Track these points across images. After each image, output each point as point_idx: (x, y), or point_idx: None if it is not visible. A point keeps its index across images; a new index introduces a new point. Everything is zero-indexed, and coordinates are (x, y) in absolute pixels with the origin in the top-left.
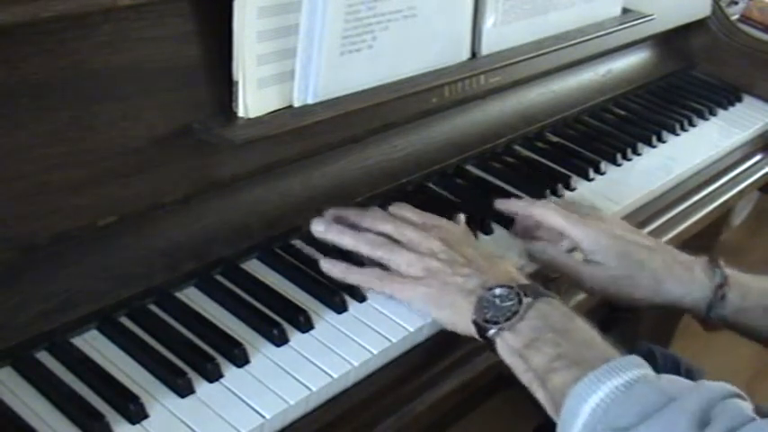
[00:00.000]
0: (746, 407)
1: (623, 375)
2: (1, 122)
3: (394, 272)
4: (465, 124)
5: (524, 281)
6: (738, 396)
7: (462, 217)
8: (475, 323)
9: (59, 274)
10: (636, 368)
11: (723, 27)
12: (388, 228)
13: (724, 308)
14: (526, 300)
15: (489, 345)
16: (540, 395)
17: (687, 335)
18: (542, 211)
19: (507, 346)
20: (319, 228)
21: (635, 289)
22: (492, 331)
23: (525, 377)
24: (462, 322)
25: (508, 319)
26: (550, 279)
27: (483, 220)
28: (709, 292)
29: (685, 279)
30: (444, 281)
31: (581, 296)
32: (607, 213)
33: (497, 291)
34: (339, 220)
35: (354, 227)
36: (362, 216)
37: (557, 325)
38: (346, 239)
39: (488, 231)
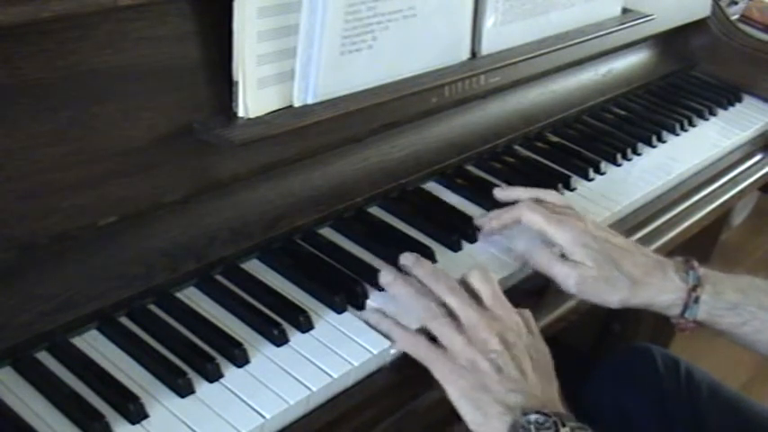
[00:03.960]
0: None
1: None
2: (1, 122)
3: (440, 348)
4: (465, 124)
5: (561, 408)
6: None
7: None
8: None
9: (59, 274)
10: None
11: (723, 27)
12: (452, 302)
13: (698, 310)
14: (563, 431)
15: None
16: None
17: (687, 335)
18: (520, 212)
19: None
20: (387, 279)
21: (611, 289)
22: None
23: None
24: None
25: None
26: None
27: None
28: (683, 294)
29: (660, 280)
30: (485, 384)
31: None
32: (583, 214)
33: (533, 417)
34: (408, 273)
35: (430, 276)
36: (433, 279)
37: None
38: (405, 300)
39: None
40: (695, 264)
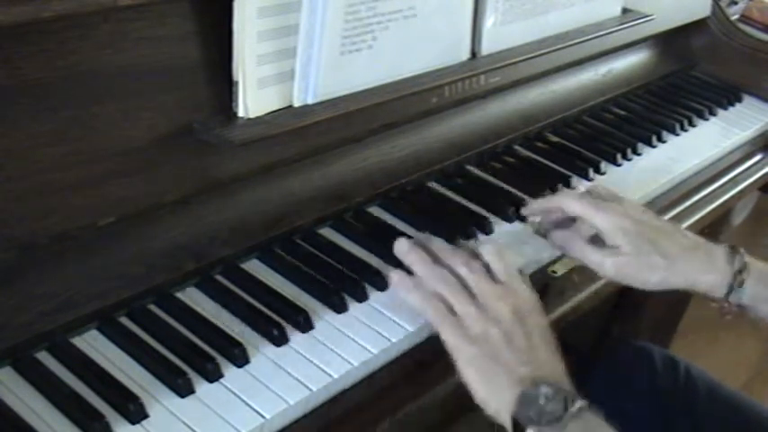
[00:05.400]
0: None
1: None
2: (1, 122)
3: (452, 316)
4: (465, 124)
5: (569, 385)
6: None
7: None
8: (513, 419)
9: (59, 274)
10: None
11: (723, 27)
12: (466, 273)
13: (743, 294)
14: (572, 408)
15: None
16: None
17: (687, 335)
18: (561, 200)
19: None
20: (403, 247)
21: (650, 270)
22: (529, 431)
23: None
24: (496, 406)
25: (549, 422)
26: (557, 276)
27: (484, 219)
28: (728, 277)
29: (703, 261)
30: (496, 354)
31: (590, 289)
32: (626, 197)
33: (543, 389)
34: (423, 247)
35: (433, 258)
36: (445, 252)
37: None
38: (423, 268)
39: (488, 231)
40: (742, 250)
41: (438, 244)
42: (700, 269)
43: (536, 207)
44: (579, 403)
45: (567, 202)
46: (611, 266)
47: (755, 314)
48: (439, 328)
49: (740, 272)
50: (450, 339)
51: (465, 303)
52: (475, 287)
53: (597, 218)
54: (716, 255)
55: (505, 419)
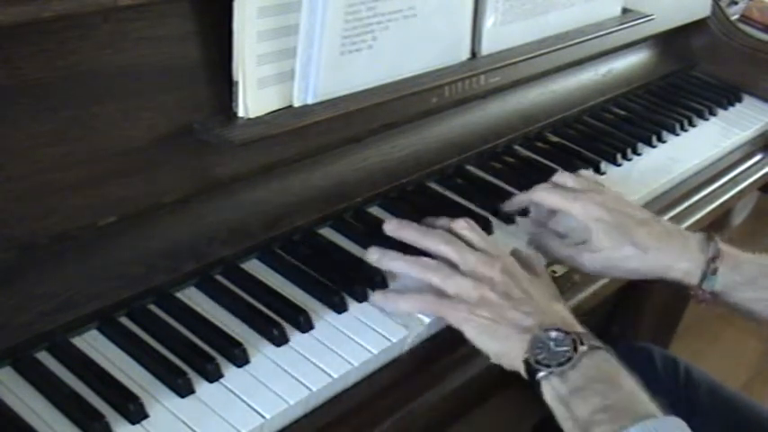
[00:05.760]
0: None
1: None
2: (1, 122)
3: (446, 298)
4: (465, 124)
5: (579, 327)
6: None
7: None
8: (526, 362)
9: (59, 274)
10: (676, 430)
11: (723, 27)
12: (447, 250)
13: (715, 281)
14: (581, 348)
15: (534, 385)
16: None
17: (687, 336)
18: (539, 195)
19: (553, 390)
20: (374, 255)
21: (625, 260)
22: (542, 374)
23: (566, 424)
24: (511, 358)
25: (561, 364)
26: (557, 275)
27: (484, 220)
28: (701, 264)
29: (677, 249)
30: (501, 314)
31: (591, 289)
32: (608, 188)
33: (553, 333)
34: (401, 232)
35: (419, 234)
36: (425, 235)
37: (606, 377)
38: (398, 266)
39: (489, 232)
40: (716, 237)
41: (410, 231)
42: (673, 257)
43: (515, 202)
44: (588, 343)
45: (543, 195)
46: (587, 261)
47: (728, 300)
48: (440, 315)
49: (713, 259)
50: (454, 319)
51: (456, 279)
52: (460, 260)
53: (573, 209)
54: (690, 242)
55: (519, 367)
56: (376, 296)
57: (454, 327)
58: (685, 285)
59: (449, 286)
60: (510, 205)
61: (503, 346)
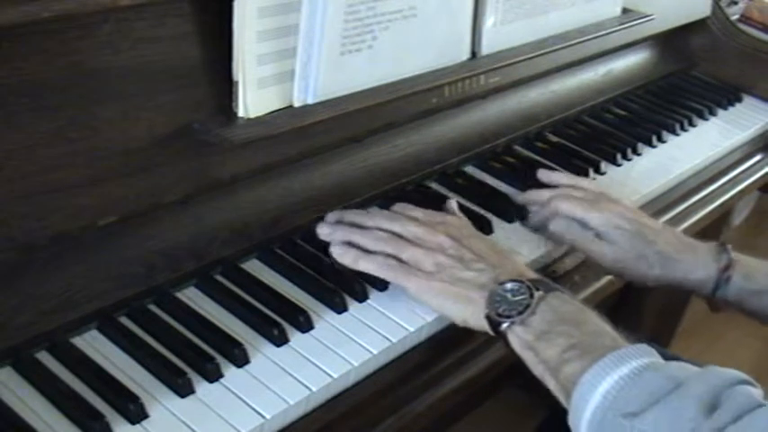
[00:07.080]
0: (756, 393)
1: (632, 363)
2: (1, 122)
3: (405, 265)
4: (465, 124)
5: (533, 275)
6: (748, 383)
7: (455, 204)
8: (488, 317)
9: (59, 274)
10: (645, 356)
11: (723, 27)
12: (393, 226)
13: (729, 289)
14: (537, 294)
15: (501, 338)
16: (552, 386)
17: (687, 336)
18: (557, 203)
19: (519, 339)
20: (325, 231)
21: (647, 267)
22: (504, 325)
23: (537, 369)
24: (474, 317)
25: (520, 313)
26: (557, 275)
27: (484, 220)
28: (714, 273)
29: (690, 259)
30: (456, 276)
31: (591, 289)
32: (616, 197)
33: (509, 285)
34: (343, 222)
35: (359, 228)
36: (366, 217)
37: (567, 317)
38: (355, 237)
39: (489, 231)
40: (728, 247)
41: (354, 214)
42: (689, 267)
43: (530, 198)
44: (544, 287)
45: (562, 204)
46: (610, 255)
47: (744, 309)
48: (399, 280)
49: (726, 268)
50: (413, 285)
51: (408, 249)
52: (408, 233)
53: (594, 217)
54: (703, 253)
55: (484, 324)
56: (335, 249)
57: (414, 297)
58: (700, 295)
59: (403, 255)
60: (525, 199)
61: (465, 308)
